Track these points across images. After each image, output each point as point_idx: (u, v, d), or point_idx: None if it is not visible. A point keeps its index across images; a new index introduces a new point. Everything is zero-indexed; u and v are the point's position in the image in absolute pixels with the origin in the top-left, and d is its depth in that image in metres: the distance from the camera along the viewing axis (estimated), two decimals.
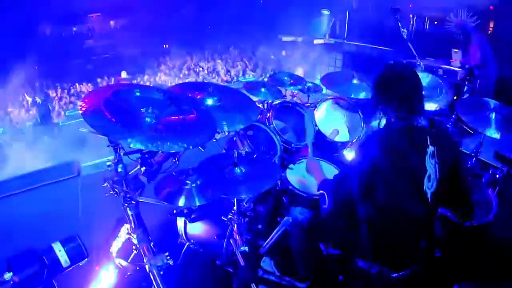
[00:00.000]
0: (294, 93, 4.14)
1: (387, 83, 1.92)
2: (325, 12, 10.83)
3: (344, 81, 3.61)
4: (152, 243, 2.27)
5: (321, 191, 2.19)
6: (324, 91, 4.18)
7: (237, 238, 2.52)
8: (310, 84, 4.09)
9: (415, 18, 9.34)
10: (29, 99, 7.42)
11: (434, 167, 1.84)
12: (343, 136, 3.45)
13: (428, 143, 1.84)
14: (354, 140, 3.36)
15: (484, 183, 3.04)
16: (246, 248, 2.50)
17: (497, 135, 2.80)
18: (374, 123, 2.16)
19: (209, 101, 2.61)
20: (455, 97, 4.69)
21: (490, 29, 7.34)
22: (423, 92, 1.95)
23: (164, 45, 11.85)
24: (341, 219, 2.02)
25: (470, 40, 5.27)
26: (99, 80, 9.30)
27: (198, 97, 2.62)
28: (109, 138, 1.91)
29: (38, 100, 7.32)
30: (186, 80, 9.95)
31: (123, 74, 9.11)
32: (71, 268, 2.24)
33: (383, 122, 1.92)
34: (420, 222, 1.94)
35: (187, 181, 2.19)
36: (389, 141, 1.81)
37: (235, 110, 2.61)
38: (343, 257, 2.21)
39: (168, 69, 10.18)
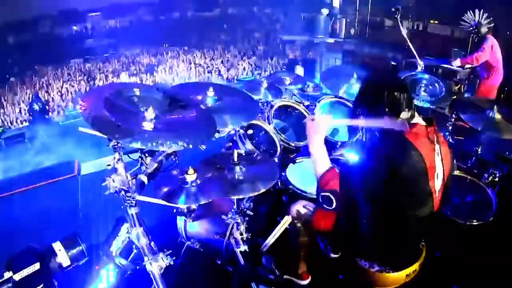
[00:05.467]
0: (294, 93, 4.13)
1: (378, 91, 1.86)
2: (325, 11, 10.83)
3: (343, 81, 3.61)
4: (152, 242, 2.27)
5: (327, 193, 1.95)
6: (324, 91, 4.18)
7: (237, 237, 2.52)
8: (310, 84, 4.08)
9: (415, 17, 9.34)
10: (26, 108, 7.33)
11: (440, 165, 1.85)
12: (343, 135, 3.45)
13: (435, 141, 1.84)
14: (354, 140, 3.35)
15: (484, 183, 3.04)
16: (246, 247, 2.51)
17: (497, 135, 2.80)
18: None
19: (209, 100, 2.61)
20: (455, 97, 4.69)
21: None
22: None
23: (164, 45, 11.84)
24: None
25: (482, 42, 5.29)
26: (98, 79, 9.29)
27: (198, 97, 2.62)
28: (109, 138, 1.91)
29: (36, 107, 7.26)
30: (186, 80, 9.94)
31: (123, 77, 8.99)
32: (71, 267, 2.25)
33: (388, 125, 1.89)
34: (426, 221, 1.93)
35: (187, 180, 2.19)
36: (405, 142, 1.76)
37: (235, 110, 2.61)
38: (343, 256, 2.21)
39: (168, 68, 10.17)
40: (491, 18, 5.24)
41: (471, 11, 5.33)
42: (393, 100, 1.83)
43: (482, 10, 5.26)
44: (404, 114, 1.83)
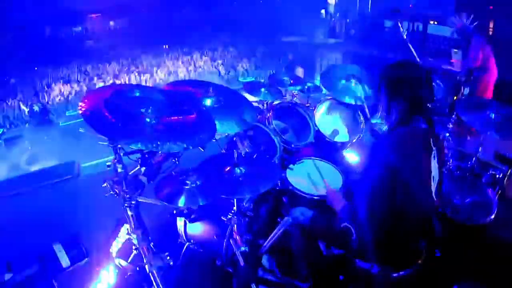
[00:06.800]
0: (294, 94, 4.14)
1: (401, 83, 1.86)
2: (323, 11, 10.86)
3: (343, 82, 3.60)
4: (152, 243, 2.27)
5: (346, 224, 1.99)
6: (323, 92, 4.18)
7: (237, 238, 2.52)
8: (310, 85, 4.08)
9: (414, 18, 9.35)
10: (26, 109, 7.28)
11: (436, 168, 1.86)
12: (342, 136, 3.45)
13: (432, 145, 1.85)
14: (354, 140, 3.36)
15: (484, 183, 3.04)
16: (246, 248, 2.50)
17: (496, 135, 2.80)
18: (374, 121, 2.10)
19: (208, 101, 2.61)
20: (455, 97, 4.69)
21: (490, 29, 7.34)
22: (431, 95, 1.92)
23: (164, 45, 11.83)
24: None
25: (470, 43, 5.29)
26: (96, 80, 9.31)
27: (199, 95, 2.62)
28: (109, 139, 1.91)
29: (36, 108, 7.24)
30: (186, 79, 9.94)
31: (123, 77, 8.99)
32: (71, 268, 2.25)
33: (391, 122, 1.90)
34: (424, 223, 1.94)
35: (187, 181, 2.19)
36: (403, 145, 1.77)
37: (234, 112, 2.61)
38: (343, 257, 2.21)
39: (168, 69, 10.18)
40: (473, 18, 5.25)
41: (455, 15, 5.36)
42: (415, 99, 1.82)
43: (465, 13, 5.28)
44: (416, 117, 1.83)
